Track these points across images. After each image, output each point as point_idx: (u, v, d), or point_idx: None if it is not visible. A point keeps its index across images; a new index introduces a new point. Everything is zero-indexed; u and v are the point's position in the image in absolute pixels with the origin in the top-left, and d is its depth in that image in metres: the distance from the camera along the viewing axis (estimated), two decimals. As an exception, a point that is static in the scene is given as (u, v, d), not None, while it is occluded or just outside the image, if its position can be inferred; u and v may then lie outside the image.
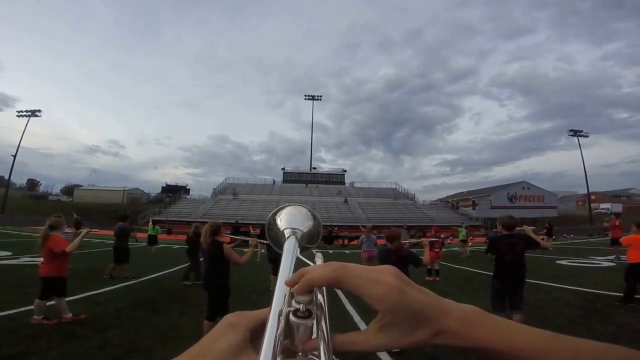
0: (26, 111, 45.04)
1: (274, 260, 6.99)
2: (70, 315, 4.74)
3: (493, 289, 4.53)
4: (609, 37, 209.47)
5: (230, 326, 0.34)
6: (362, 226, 14.81)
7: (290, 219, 0.51)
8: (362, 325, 4.67)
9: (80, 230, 5.24)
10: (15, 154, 42.01)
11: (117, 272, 8.01)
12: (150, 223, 16.14)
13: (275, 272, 7.08)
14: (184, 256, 8.53)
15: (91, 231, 5.83)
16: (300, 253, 0.44)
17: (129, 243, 8.82)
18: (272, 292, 0.34)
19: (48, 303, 4.73)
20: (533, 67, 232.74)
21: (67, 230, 7.49)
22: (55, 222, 4.86)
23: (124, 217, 9.17)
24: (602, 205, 53.68)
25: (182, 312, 5.44)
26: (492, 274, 4.75)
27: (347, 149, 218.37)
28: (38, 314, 4.61)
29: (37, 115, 44.93)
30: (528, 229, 4.69)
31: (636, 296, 5.95)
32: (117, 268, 8.07)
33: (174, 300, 6.21)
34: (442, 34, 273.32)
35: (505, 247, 4.45)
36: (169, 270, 8.43)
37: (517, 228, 4.70)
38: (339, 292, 6.26)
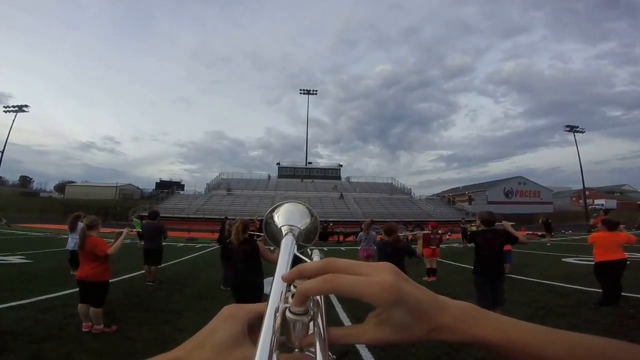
0: (13, 106, 44.17)
1: None
2: (101, 326, 4.18)
3: (475, 285, 4.63)
4: (604, 37, 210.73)
5: (228, 318, 0.35)
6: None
7: (288, 216, 0.50)
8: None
9: (121, 230, 4.72)
10: (3, 149, 41.04)
11: (154, 274, 7.32)
12: (135, 219, 16.09)
13: None
14: (163, 255, 7.76)
15: (131, 231, 5.19)
16: (297, 250, 0.43)
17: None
18: None
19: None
20: (529, 65, 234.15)
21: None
22: (93, 221, 4.48)
23: (154, 215, 8.21)
24: (597, 201, 53.68)
25: (142, 320, 4.70)
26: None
27: (343, 144, 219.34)
28: (98, 322, 4.20)
29: (24, 111, 44.20)
30: (507, 224, 4.77)
31: (623, 293, 5.53)
32: (152, 269, 7.33)
33: (139, 307, 5.45)
34: (439, 31, 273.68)
35: (483, 242, 4.55)
36: (142, 272, 7.60)
37: (497, 223, 4.79)
38: (334, 299, 5.60)
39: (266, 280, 4.25)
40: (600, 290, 5.66)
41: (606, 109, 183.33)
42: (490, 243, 4.51)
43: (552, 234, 18.97)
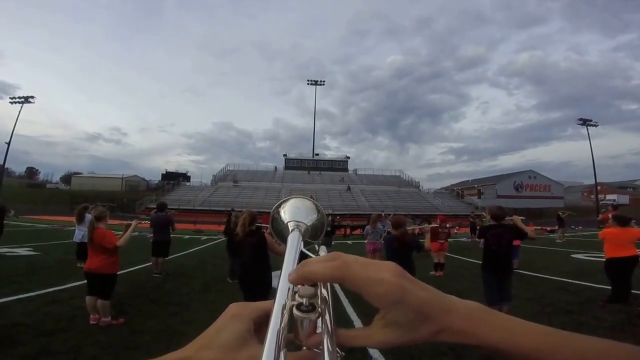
0: (19, 97, 43.72)
1: None
2: (109, 318, 4.18)
3: (483, 280, 4.58)
4: (623, 29, 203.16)
5: (234, 317, 0.34)
6: (387, 214, 14.13)
7: (294, 212, 0.50)
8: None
9: (130, 222, 4.75)
10: (9, 141, 40.93)
11: (161, 266, 7.37)
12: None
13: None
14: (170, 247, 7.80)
15: (140, 223, 5.36)
16: (304, 247, 0.43)
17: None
18: None
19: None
20: (543, 57, 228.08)
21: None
22: (100, 213, 4.41)
23: (162, 207, 8.23)
24: (609, 197, 52.72)
25: (149, 313, 4.71)
26: None
27: (352, 136, 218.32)
28: (105, 315, 4.18)
29: (30, 102, 43.66)
30: (517, 219, 4.73)
31: (633, 291, 5.44)
32: (159, 261, 7.39)
33: (146, 299, 5.47)
34: (453, 22, 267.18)
35: (492, 237, 4.49)
36: (149, 264, 7.64)
37: (507, 218, 4.74)
38: (341, 295, 5.58)
39: (274, 274, 4.24)
40: (610, 288, 5.58)
41: (622, 102, 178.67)
42: (499, 238, 4.44)
43: (566, 228, 18.74)
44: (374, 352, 3.50)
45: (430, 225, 7.75)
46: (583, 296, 5.94)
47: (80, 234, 7.03)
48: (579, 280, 7.13)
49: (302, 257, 0.39)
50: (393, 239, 4.62)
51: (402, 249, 4.52)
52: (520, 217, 4.87)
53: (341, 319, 4.63)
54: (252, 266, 3.92)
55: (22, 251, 9.87)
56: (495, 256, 4.48)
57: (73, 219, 7.76)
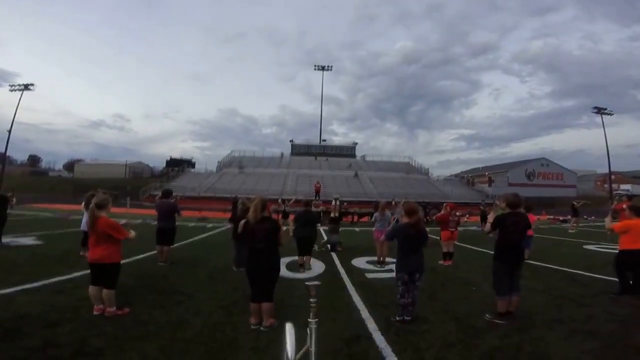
0: (19, 85, 43.09)
1: (300, 240, 7.04)
2: (114, 308, 4.10)
3: (494, 271, 4.33)
4: (639, 18, 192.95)
5: None
6: (395, 202, 14.01)
7: None
8: (369, 321, 4.11)
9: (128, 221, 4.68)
10: (10, 128, 40.61)
11: (166, 255, 7.27)
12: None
13: (302, 252, 7.06)
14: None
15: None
16: None
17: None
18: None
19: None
20: (557, 45, 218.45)
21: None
22: (102, 200, 4.17)
23: (167, 193, 8.03)
24: (623, 186, 51.57)
25: (155, 303, 4.64)
26: None
27: (360, 122, 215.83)
28: (110, 305, 4.08)
29: (30, 89, 43.01)
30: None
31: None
32: (164, 249, 7.29)
33: (151, 288, 5.40)
34: (464, 7, 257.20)
35: (511, 226, 4.25)
36: (154, 252, 7.55)
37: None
38: (348, 283, 5.53)
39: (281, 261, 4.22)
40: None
41: (637, 92, 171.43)
42: (517, 227, 4.25)
43: (579, 218, 18.44)
44: (380, 342, 3.45)
45: (440, 213, 7.58)
46: (594, 288, 5.80)
47: None
48: (589, 272, 6.99)
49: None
50: (409, 227, 4.27)
51: (418, 238, 4.27)
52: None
53: (348, 307, 4.60)
54: (265, 253, 3.84)
55: (26, 240, 9.75)
56: (511, 246, 4.27)
57: (76, 206, 7.59)
